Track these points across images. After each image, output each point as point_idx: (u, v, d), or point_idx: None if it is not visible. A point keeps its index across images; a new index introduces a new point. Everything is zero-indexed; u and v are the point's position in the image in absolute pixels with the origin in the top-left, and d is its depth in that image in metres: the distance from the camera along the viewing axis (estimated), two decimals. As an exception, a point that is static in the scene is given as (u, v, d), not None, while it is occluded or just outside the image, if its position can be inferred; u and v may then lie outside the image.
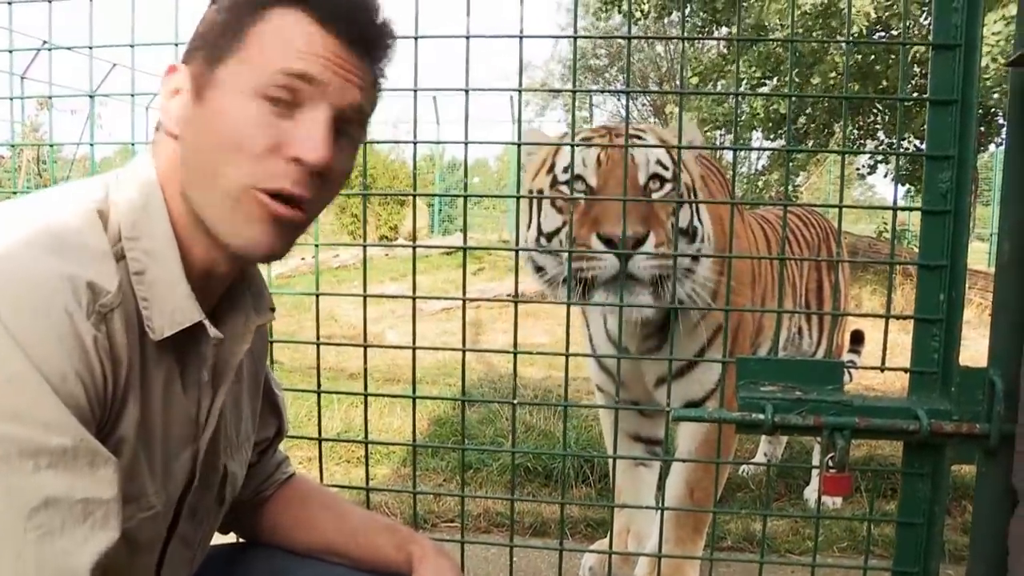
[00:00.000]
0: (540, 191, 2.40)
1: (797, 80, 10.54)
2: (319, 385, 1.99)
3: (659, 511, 2.10)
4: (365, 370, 1.93)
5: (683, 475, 2.61)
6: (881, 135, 13.15)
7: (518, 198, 1.95)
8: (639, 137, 2.38)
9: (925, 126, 1.58)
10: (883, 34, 11.01)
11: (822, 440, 1.56)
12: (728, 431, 2.27)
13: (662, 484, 2.74)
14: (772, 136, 12.93)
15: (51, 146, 2.54)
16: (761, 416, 1.54)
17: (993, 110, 9.99)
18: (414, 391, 1.92)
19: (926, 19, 10.26)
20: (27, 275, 0.92)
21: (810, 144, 12.70)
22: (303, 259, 11.81)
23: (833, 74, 10.70)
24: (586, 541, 3.30)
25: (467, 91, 1.77)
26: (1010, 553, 1.49)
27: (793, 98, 2.00)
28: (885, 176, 15.34)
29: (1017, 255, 1.49)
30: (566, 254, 2.10)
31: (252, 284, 1.26)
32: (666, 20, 14.64)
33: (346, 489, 2.42)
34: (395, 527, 1.51)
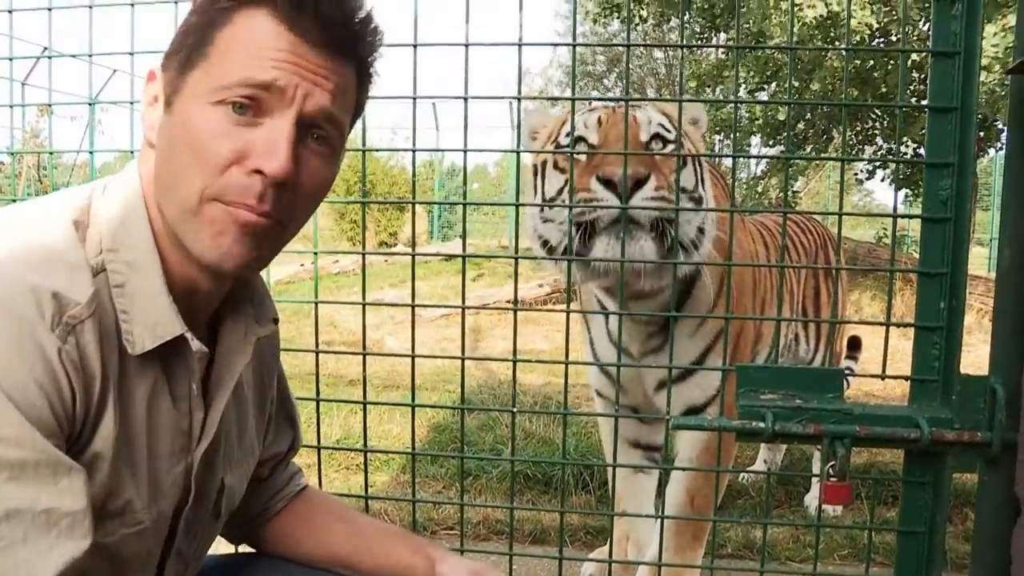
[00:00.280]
0: (544, 162, 2.40)
1: (796, 86, 10.56)
2: (318, 393, 1.98)
3: (659, 519, 2.09)
4: (364, 378, 1.92)
5: (683, 482, 2.60)
6: (879, 140, 13.16)
7: (517, 206, 1.95)
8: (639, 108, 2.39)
9: (923, 131, 1.58)
10: (882, 40, 11.02)
11: (823, 448, 1.56)
12: (728, 439, 2.26)
13: (662, 491, 2.73)
14: (771, 142, 12.94)
15: (51, 153, 2.54)
16: (761, 424, 1.54)
17: (993, 117, 10.00)
18: (413, 399, 1.92)
19: (925, 24, 10.28)
20: None
21: (809, 149, 12.71)
22: (302, 265, 11.81)
23: (832, 80, 10.71)
24: (586, 549, 3.29)
25: (466, 99, 1.76)
26: (1013, 562, 1.48)
27: (792, 104, 2.00)
28: (883, 180, 15.34)
29: (1018, 262, 1.48)
30: (570, 210, 2.07)
31: (254, 294, 1.25)
32: (665, 27, 14.67)
33: (345, 497, 2.42)
34: (409, 535, 1.51)
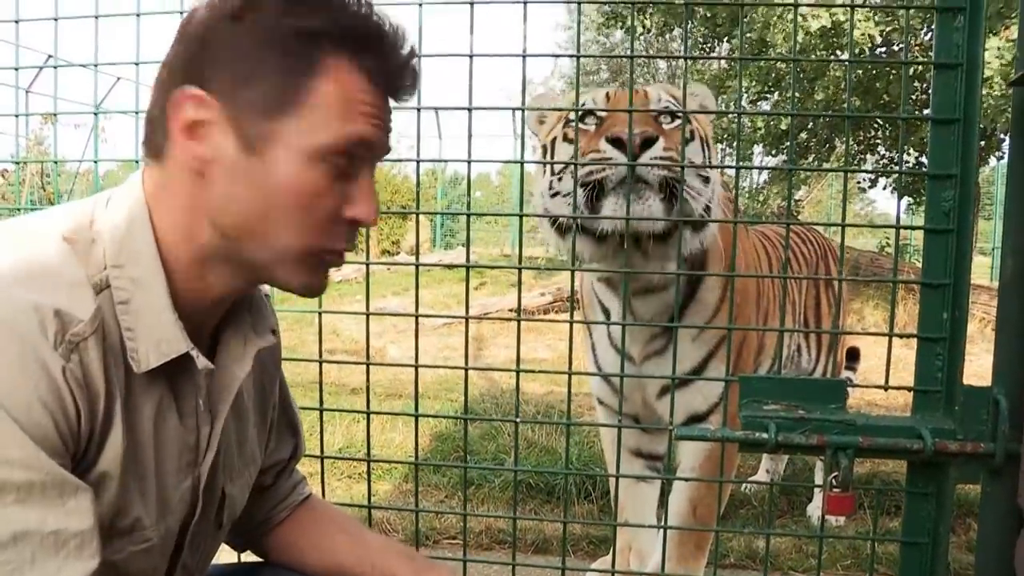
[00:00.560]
0: (553, 140, 2.40)
1: (798, 95, 10.57)
2: (321, 402, 1.98)
3: (661, 529, 2.09)
4: (368, 388, 1.93)
5: (686, 492, 2.60)
6: (882, 149, 13.17)
7: (521, 216, 1.95)
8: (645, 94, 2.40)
9: (925, 140, 1.59)
10: (884, 50, 11.04)
11: (825, 459, 1.56)
12: (731, 448, 2.26)
13: (664, 501, 2.73)
14: (774, 151, 12.96)
15: (55, 162, 2.54)
16: (764, 435, 1.54)
17: (993, 126, 10.01)
18: (416, 409, 1.92)
19: (927, 34, 10.31)
20: None
21: (812, 158, 12.72)
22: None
23: (834, 90, 10.73)
24: (588, 559, 3.28)
25: (470, 109, 1.77)
26: (1016, 573, 1.48)
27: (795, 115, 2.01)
28: (885, 189, 15.36)
29: (1020, 272, 1.49)
30: (576, 175, 2.06)
31: (252, 305, 1.24)
32: (667, 36, 14.70)
33: (348, 506, 2.42)
34: (412, 554, 1.50)
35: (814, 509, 3.84)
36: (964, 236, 1.57)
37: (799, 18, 9.63)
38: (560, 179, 2.28)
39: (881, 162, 13.13)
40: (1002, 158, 12.23)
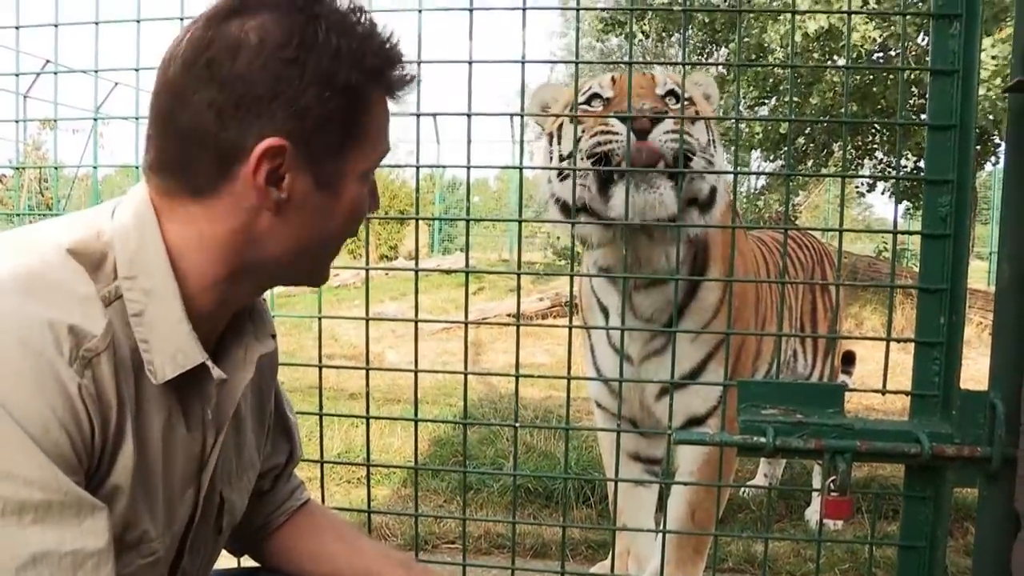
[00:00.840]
0: (560, 126, 2.41)
1: (796, 100, 10.60)
2: (321, 407, 1.99)
3: (660, 533, 2.09)
4: (367, 393, 1.93)
5: (684, 495, 2.60)
6: (879, 154, 13.19)
7: (520, 221, 1.96)
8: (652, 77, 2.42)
9: (922, 144, 1.59)
10: (881, 55, 11.07)
11: (823, 463, 1.56)
12: (729, 452, 2.26)
13: (662, 505, 2.73)
14: (771, 156, 12.97)
15: (56, 168, 2.55)
16: (763, 439, 1.54)
17: (988, 130, 10.04)
18: (416, 413, 1.92)
19: (923, 40, 10.33)
20: (6, 322, 0.91)
21: (809, 163, 12.74)
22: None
23: (831, 94, 10.75)
24: (587, 563, 3.29)
25: (469, 115, 1.78)
26: (1013, 577, 1.48)
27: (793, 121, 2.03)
28: (884, 193, 15.37)
29: (1016, 278, 1.49)
30: (586, 154, 2.10)
31: (253, 311, 1.25)
32: (664, 43, 14.72)
33: (347, 511, 2.42)
34: (409, 562, 1.50)
35: (812, 513, 3.84)
36: (961, 241, 1.57)
37: (796, 19, 9.67)
38: (572, 159, 2.27)
39: (879, 167, 13.15)
40: (998, 163, 12.25)
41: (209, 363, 1.09)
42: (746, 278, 2.68)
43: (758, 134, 12.44)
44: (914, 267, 12.31)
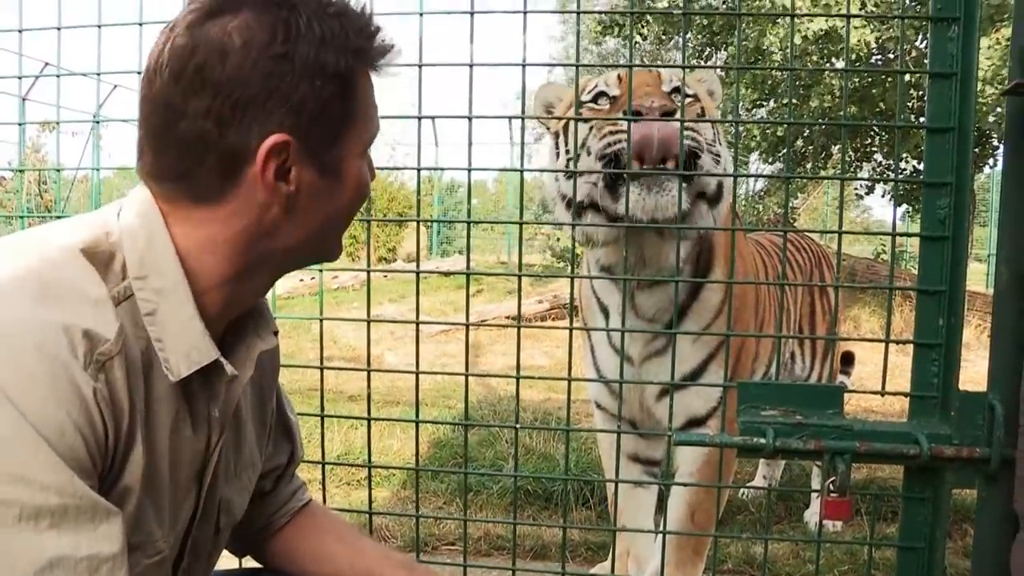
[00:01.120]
0: (565, 125, 2.41)
1: (795, 102, 10.61)
2: (323, 408, 1.99)
3: (660, 534, 2.10)
4: (369, 394, 1.94)
5: (684, 496, 2.60)
6: (878, 157, 13.21)
7: (521, 224, 1.97)
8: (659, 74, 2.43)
9: (921, 147, 1.60)
10: (879, 58, 11.09)
11: (823, 464, 1.57)
12: (729, 454, 2.27)
13: (662, 506, 2.73)
14: (770, 159, 12.99)
15: (58, 171, 2.55)
16: (762, 440, 1.55)
17: (988, 132, 10.06)
18: (417, 415, 1.93)
19: (922, 43, 10.35)
20: (20, 326, 0.91)
21: (808, 166, 12.75)
22: (301, 280, 11.81)
23: (830, 97, 10.77)
24: (587, 565, 3.29)
25: (470, 118, 1.78)
26: (1012, 578, 1.49)
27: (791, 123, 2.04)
28: (883, 196, 15.40)
29: (1015, 281, 1.50)
30: (595, 152, 2.11)
31: (253, 308, 1.25)
32: (663, 47, 14.74)
33: (347, 512, 2.42)
34: (410, 563, 1.50)
35: (811, 515, 3.85)
36: (959, 243, 1.58)
37: (795, 21, 9.68)
38: (577, 159, 2.27)
39: (878, 169, 13.17)
40: (997, 165, 12.27)
41: (223, 360, 1.10)
42: (748, 280, 2.69)
43: (756, 136, 12.46)
44: (912, 269, 12.33)
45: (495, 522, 3.51)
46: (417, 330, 1.88)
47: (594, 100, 2.37)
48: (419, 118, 1.79)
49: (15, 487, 0.87)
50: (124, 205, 1.10)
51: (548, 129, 2.58)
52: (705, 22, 12.13)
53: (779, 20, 10.16)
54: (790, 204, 15.04)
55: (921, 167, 1.59)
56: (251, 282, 1.13)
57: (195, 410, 1.13)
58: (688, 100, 2.28)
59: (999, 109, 8.62)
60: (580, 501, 3.85)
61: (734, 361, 2.58)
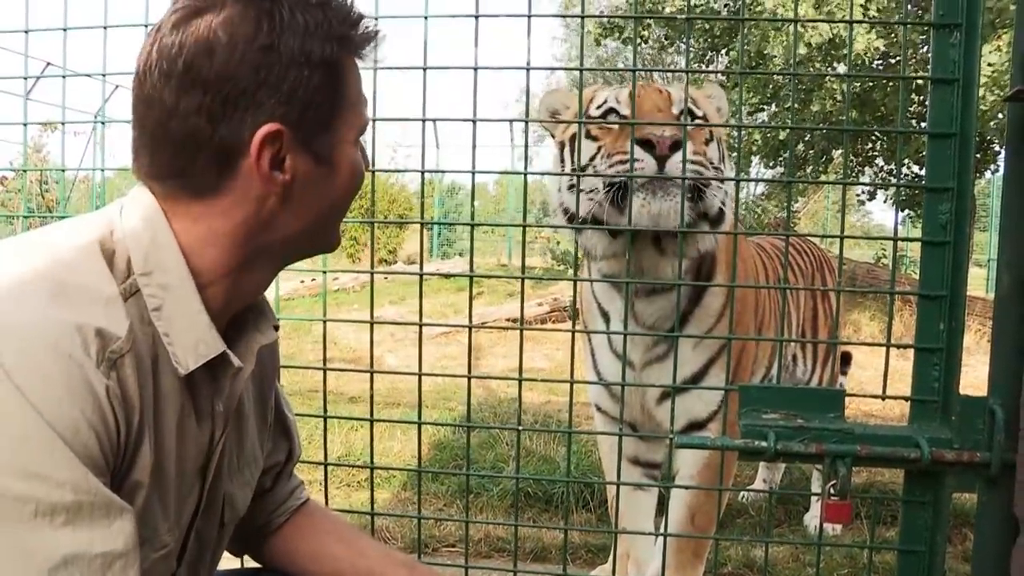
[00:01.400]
0: (573, 136, 2.41)
1: (796, 107, 10.62)
2: (325, 410, 2.00)
3: (660, 537, 2.10)
4: (372, 396, 1.94)
5: (684, 499, 2.61)
6: (880, 161, 13.21)
7: (524, 227, 1.98)
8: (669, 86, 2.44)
9: (922, 152, 1.61)
10: (881, 63, 11.09)
11: (824, 468, 1.58)
12: (730, 457, 2.27)
13: (662, 509, 2.74)
14: (771, 163, 12.98)
15: (63, 171, 2.56)
16: (764, 443, 1.56)
17: (989, 139, 10.06)
18: (419, 416, 1.93)
19: (923, 47, 10.36)
20: (34, 326, 0.92)
21: (809, 170, 12.74)
22: (302, 282, 11.83)
23: (831, 101, 10.77)
24: (587, 567, 3.29)
25: (474, 121, 1.79)
26: (1012, 582, 1.49)
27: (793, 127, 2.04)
28: (885, 201, 15.40)
29: (1016, 287, 1.51)
30: (601, 177, 2.14)
31: (254, 303, 1.26)
32: (663, 51, 14.75)
33: (348, 513, 2.43)
34: (411, 562, 1.51)
35: (811, 518, 3.85)
36: (960, 248, 1.59)
37: (798, 29, 9.64)
38: (583, 168, 2.29)
39: (879, 174, 13.16)
40: (998, 171, 12.27)
41: (230, 353, 1.11)
42: (749, 284, 2.69)
43: (757, 141, 12.46)
44: (912, 274, 12.33)
45: (496, 524, 3.51)
46: (420, 332, 1.89)
47: (603, 116, 2.38)
48: (423, 120, 1.80)
49: (31, 483, 0.88)
50: (125, 204, 1.11)
51: (553, 136, 2.58)
52: (706, 26, 12.14)
53: (782, 26, 10.17)
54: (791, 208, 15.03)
55: (922, 171, 1.60)
56: (252, 275, 1.14)
57: (199, 405, 1.14)
58: (697, 123, 2.29)
59: (1000, 115, 8.63)
60: (580, 503, 3.86)
61: (735, 364, 2.59)
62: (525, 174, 1.99)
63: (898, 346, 1.73)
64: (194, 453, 1.15)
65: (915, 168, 11.26)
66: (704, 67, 13.16)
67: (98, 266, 1.03)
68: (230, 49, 1.02)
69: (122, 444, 0.99)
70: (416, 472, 1.97)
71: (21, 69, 2.13)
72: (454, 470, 4.15)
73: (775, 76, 11.37)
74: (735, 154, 2.45)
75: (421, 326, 1.87)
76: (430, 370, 6.91)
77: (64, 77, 2.03)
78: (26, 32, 1.95)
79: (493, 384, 6.41)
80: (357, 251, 17.05)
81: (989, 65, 8.36)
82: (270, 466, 1.48)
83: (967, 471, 1.56)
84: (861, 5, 9.62)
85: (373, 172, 1.97)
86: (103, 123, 2.04)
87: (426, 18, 1.75)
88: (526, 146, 1.96)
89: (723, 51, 12.99)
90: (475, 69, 1.75)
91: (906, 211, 11.65)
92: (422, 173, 1.92)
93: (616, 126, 2.26)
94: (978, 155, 10.53)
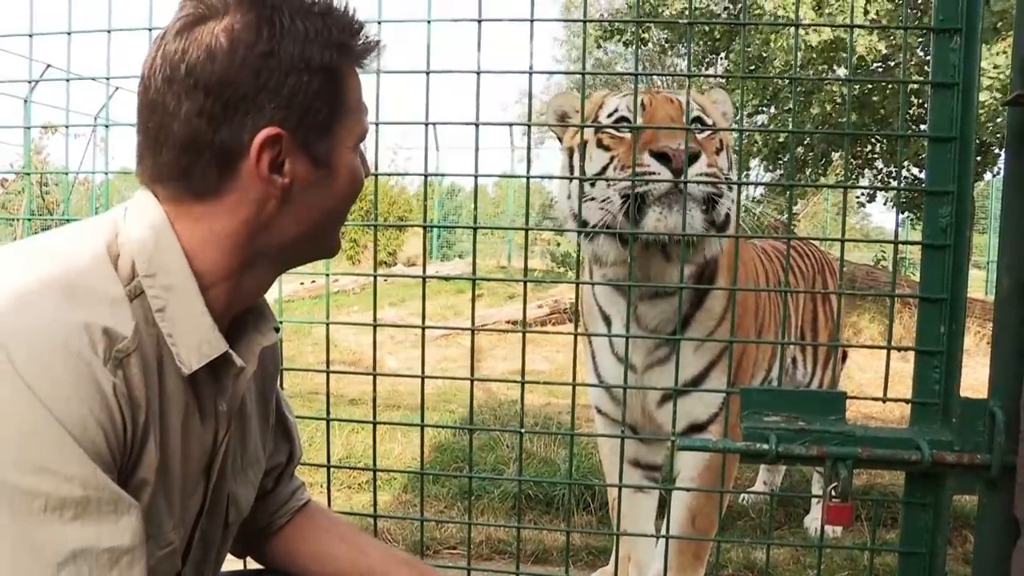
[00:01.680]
0: (584, 143, 2.41)
1: (796, 109, 10.61)
2: (328, 412, 2.01)
3: (661, 539, 2.11)
4: (375, 398, 1.95)
5: (685, 501, 2.61)
6: (879, 164, 13.21)
7: (527, 230, 1.98)
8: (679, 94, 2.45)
9: (921, 154, 1.62)
10: (881, 66, 11.10)
11: (825, 470, 1.58)
12: (731, 459, 2.28)
13: (662, 511, 2.74)
14: (771, 166, 12.99)
15: (66, 173, 2.57)
16: (765, 446, 1.56)
17: (988, 142, 10.07)
18: (422, 419, 1.94)
19: (923, 51, 10.36)
20: (43, 325, 0.94)
21: (808, 172, 12.75)
22: (302, 284, 11.83)
23: (831, 104, 10.78)
24: (588, 569, 3.30)
25: (477, 125, 1.80)
26: (1012, 583, 1.50)
27: (793, 130, 2.06)
28: (885, 203, 15.39)
29: (1016, 289, 1.51)
30: (616, 184, 2.15)
31: (255, 305, 1.27)
32: (667, 53, 14.76)
33: (349, 515, 2.43)
34: (413, 561, 1.52)
35: (811, 520, 3.85)
36: (961, 251, 1.60)
37: (798, 32, 9.65)
38: (593, 184, 2.31)
39: (878, 177, 13.16)
40: (998, 174, 12.27)
41: (232, 353, 1.13)
42: (750, 287, 2.70)
43: (757, 143, 12.46)
44: (912, 276, 12.33)
45: (498, 526, 3.52)
46: (423, 334, 1.89)
47: (614, 123, 2.38)
48: (426, 124, 1.81)
49: (41, 478, 0.89)
50: (129, 207, 1.13)
51: (560, 141, 2.59)
52: (706, 28, 12.15)
53: (783, 31, 10.18)
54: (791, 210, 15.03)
55: (921, 174, 1.61)
56: (253, 277, 1.16)
57: (203, 405, 1.16)
58: (708, 134, 2.32)
59: (999, 119, 8.64)
60: (581, 505, 3.86)
61: (736, 367, 2.60)
62: (528, 177, 2.00)
63: (899, 348, 1.73)
64: (198, 452, 1.17)
65: (915, 170, 11.27)
66: (704, 70, 13.17)
67: (104, 268, 1.05)
68: (231, 54, 1.04)
69: (128, 442, 1.00)
70: (418, 474, 1.97)
71: (20, 71, 2.13)
72: (455, 472, 4.16)
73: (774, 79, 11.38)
74: (738, 158, 2.46)
75: (424, 328, 1.87)
76: (430, 372, 6.91)
77: (68, 80, 2.04)
78: (30, 36, 1.96)
79: (493, 386, 6.41)
80: (357, 253, 17.05)
81: (995, 68, 8.35)
82: (271, 468, 1.49)
83: (967, 473, 1.56)
84: (862, 8, 9.62)
85: (376, 175, 1.98)
86: (106, 126, 2.03)
87: (429, 22, 1.76)
88: (528, 149, 1.97)
89: (722, 54, 13.00)
90: (478, 73, 1.76)
91: (906, 213, 11.66)
92: (424, 176, 1.93)
93: (627, 135, 2.26)
94: (978, 158, 10.54)
